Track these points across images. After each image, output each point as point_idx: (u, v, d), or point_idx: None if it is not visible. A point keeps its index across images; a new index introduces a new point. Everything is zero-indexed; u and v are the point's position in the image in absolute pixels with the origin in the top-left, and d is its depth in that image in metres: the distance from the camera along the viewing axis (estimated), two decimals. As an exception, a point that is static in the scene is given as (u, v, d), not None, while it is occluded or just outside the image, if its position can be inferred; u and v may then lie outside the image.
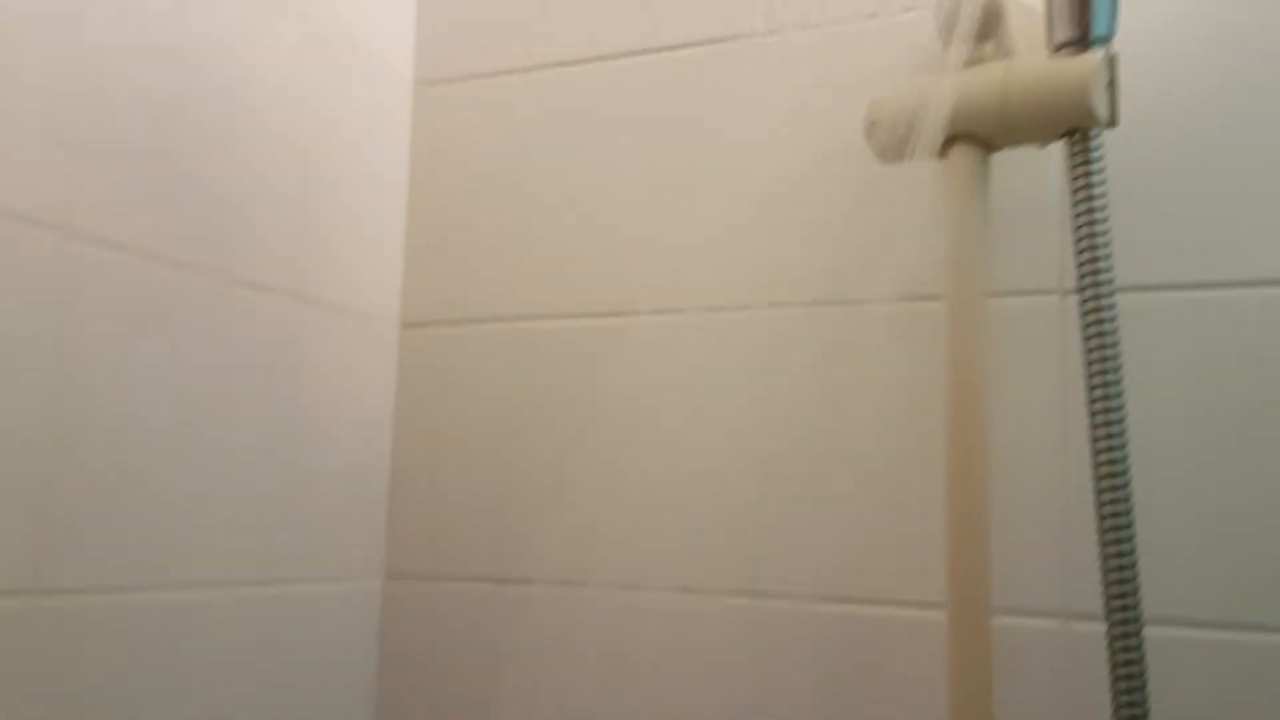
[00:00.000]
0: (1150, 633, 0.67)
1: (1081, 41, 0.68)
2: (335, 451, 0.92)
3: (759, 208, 0.87)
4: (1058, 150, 0.72)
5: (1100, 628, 0.67)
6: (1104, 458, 0.66)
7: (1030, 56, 0.71)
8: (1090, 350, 0.68)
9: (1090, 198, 0.69)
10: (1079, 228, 0.69)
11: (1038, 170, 0.76)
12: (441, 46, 1.02)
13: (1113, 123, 0.69)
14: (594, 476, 0.90)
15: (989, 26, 0.73)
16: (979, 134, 0.72)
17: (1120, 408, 0.67)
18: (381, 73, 0.99)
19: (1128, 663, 0.65)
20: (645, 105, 0.93)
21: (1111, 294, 0.68)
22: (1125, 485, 0.66)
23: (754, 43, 0.90)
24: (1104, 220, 0.68)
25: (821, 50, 0.87)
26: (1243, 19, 0.74)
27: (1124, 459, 0.66)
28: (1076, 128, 0.69)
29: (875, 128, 0.75)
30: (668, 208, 0.91)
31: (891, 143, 0.74)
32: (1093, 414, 0.67)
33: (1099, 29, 0.68)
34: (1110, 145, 0.71)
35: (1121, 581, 0.66)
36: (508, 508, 0.93)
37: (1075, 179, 0.69)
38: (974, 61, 0.73)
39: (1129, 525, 0.66)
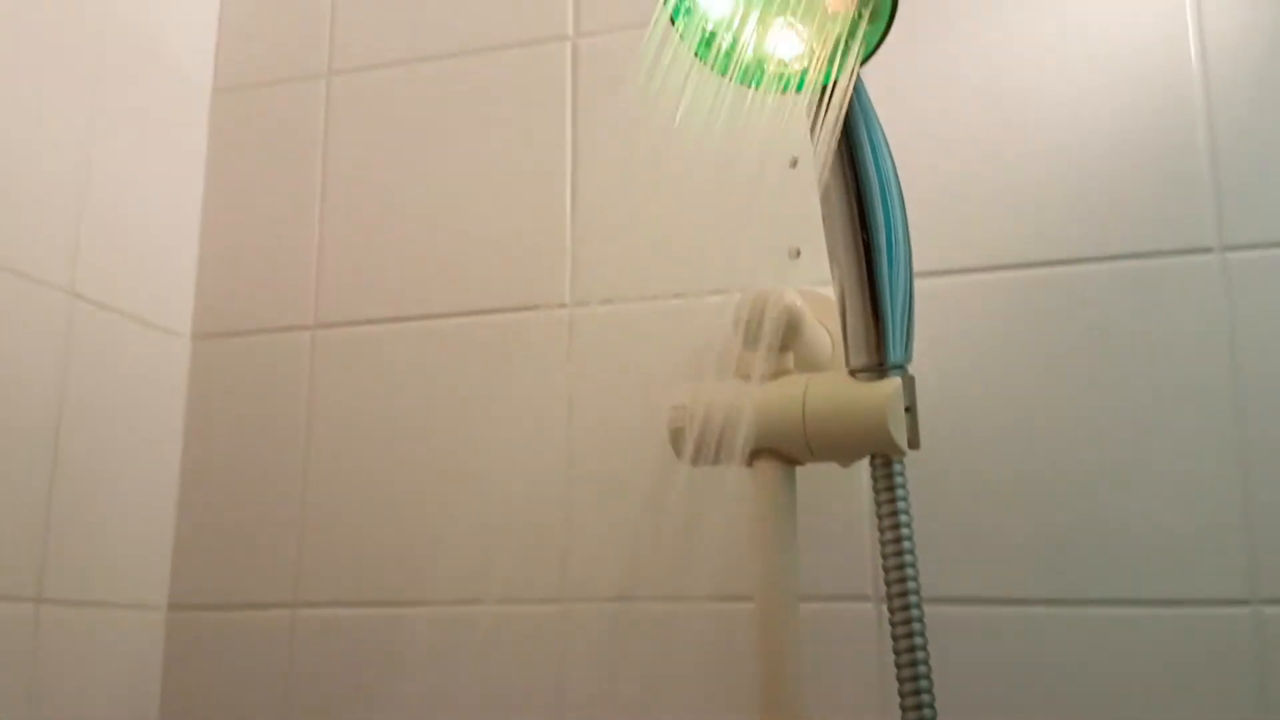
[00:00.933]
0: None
1: (878, 368, 0.68)
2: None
3: (559, 491, 0.83)
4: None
5: None
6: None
7: (828, 376, 0.71)
8: (901, 665, 0.67)
9: (895, 514, 0.68)
10: (885, 544, 0.68)
11: (851, 478, 0.75)
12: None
13: (914, 445, 0.69)
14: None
15: (789, 337, 0.72)
16: (782, 450, 0.70)
17: (933, 714, 0.65)
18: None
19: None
20: (442, 370, 0.89)
21: (919, 605, 0.67)
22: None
23: (558, 313, 0.88)
24: (909, 538, 0.68)
25: (626, 325, 0.85)
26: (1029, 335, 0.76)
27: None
28: (878, 453, 0.68)
29: (679, 435, 0.73)
30: (458, 488, 0.87)
31: (695, 452, 0.72)
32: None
33: (894, 356, 0.68)
34: (914, 460, 0.70)
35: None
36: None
37: (880, 499, 0.68)
38: (776, 373, 0.72)
39: None
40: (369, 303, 0.93)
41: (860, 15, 0.57)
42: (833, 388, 0.69)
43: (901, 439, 0.67)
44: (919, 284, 0.73)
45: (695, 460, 0.72)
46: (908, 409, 0.68)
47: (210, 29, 1.02)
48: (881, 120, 0.70)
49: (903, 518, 0.67)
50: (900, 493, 0.68)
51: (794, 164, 0.72)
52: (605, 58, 0.91)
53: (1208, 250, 0.73)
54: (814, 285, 0.78)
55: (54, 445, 0.83)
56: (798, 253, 0.80)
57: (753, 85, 0.62)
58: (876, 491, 0.68)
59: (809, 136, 0.65)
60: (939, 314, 0.78)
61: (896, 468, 0.68)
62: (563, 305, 0.88)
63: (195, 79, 1.00)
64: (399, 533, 0.88)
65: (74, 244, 0.86)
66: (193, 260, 0.98)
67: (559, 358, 0.87)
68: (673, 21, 0.59)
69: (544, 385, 0.87)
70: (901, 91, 0.79)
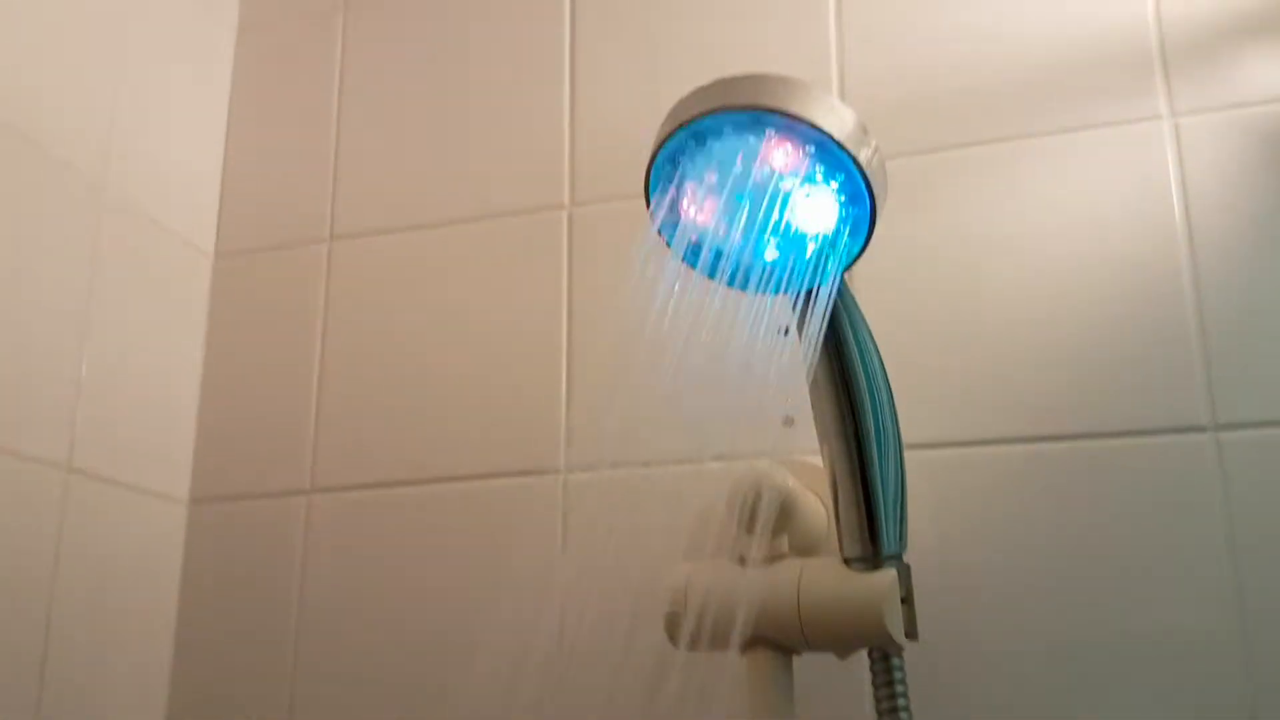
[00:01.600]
0: None
1: (872, 559, 0.67)
2: None
3: (551, 666, 0.82)
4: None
5: None
6: None
7: (823, 565, 0.70)
8: None
9: (895, 711, 0.67)
10: (886, 738, 0.67)
11: (850, 666, 0.74)
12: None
13: (912, 636, 0.68)
14: None
15: (783, 520, 0.72)
16: (778, 640, 0.70)
17: None
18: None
19: None
20: (437, 536, 0.89)
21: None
22: None
23: (554, 479, 0.88)
24: (911, 733, 0.67)
25: (624, 492, 0.85)
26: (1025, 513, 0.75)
27: None
28: (875, 647, 0.67)
29: (674, 620, 0.72)
30: (450, 657, 0.86)
31: (691, 638, 0.71)
32: None
33: (889, 548, 0.67)
34: (913, 647, 0.69)
35: None
36: None
37: (879, 695, 0.67)
38: (770, 558, 0.71)
39: None
40: (365, 467, 0.93)
41: (840, 231, 0.57)
42: (828, 578, 0.68)
43: (899, 633, 0.66)
44: (915, 455, 0.73)
45: (691, 646, 0.72)
46: (904, 599, 0.67)
47: (213, 194, 1.04)
48: (868, 295, 0.70)
49: (903, 715, 0.66)
50: (900, 688, 0.67)
51: (785, 332, 0.73)
52: (600, 226, 0.92)
53: (1201, 429, 0.73)
54: (808, 453, 0.78)
55: (46, 620, 0.83)
56: (791, 421, 0.80)
57: (739, 288, 0.63)
58: (875, 686, 0.67)
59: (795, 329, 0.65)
60: (935, 488, 0.77)
61: (895, 661, 0.67)
62: (557, 471, 0.88)
63: (197, 244, 1.02)
64: (401, 706, 0.87)
65: (71, 419, 0.86)
66: (191, 425, 0.98)
67: (553, 525, 0.87)
68: (660, 233, 0.60)
69: (538, 553, 0.87)
70: (887, 266, 0.80)
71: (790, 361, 0.72)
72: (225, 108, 1.06)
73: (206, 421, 0.98)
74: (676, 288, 0.65)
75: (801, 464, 0.78)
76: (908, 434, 0.70)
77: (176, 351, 0.98)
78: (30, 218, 0.84)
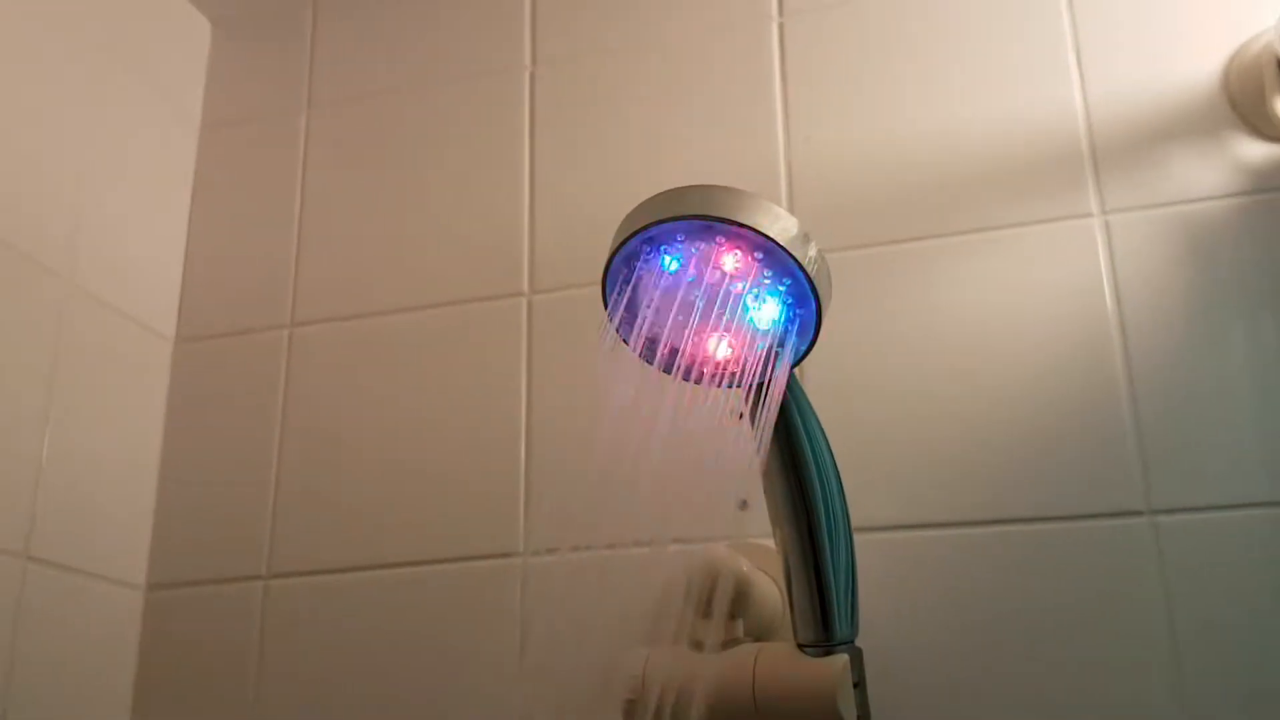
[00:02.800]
0: None
1: (825, 644, 0.69)
2: None
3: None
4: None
5: None
6: None
7: (777, 649, 0.72)
8: None
9: (848, 796, 0.68)
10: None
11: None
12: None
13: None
14: None
15: (739, 605, 0.74)
16: (734, 725, 0.71)
17: None
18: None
19: None
20: (396, 621, 0.89)
21: None
22: None
23: (513, 563, 0.89)
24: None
25: (583, 575, 0.86)
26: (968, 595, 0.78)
27: None
28: (828, 731, 0.69)
29: (632, 707, 0.74)
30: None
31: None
32: None
33: (841, 632, 0.69)
34: (863, 732, 0.71)
35: None
36: None
37: (832, 781, 0.69)
38: (726, 642, 0.73)
39: None
40: (323, 553, 0.93)
41: (789, 330, 0.60)
42: (782, 663, 0.70)
43: (851, 717, 0.68)
44: (865, 538, 0.76)
45: (648, 730, 0.73)
46: (856, 684, 0.69)
47: (175, 280, 1.05)
48: (817, 381, 0.73)
49: (854, 798, 0.68)
50: (852, 771, 0.68)
51: (744, 506, 0.76)
52: (559, 313, 0.94)
53: (1139, 514, 0.76)
54: (761, 537, 0.80)
55: (2, 709, 0.82)
56: (745, 504, 0.82)
57: (694, 383, 0.65)
58: (828, 771, 0.69)
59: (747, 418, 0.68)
60: (886, 570, 0.79)
61: (847, 746, 0.69)
62: (516, 554, 0.89)
63: (157, 329, 1.03)
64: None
65: (30, 506, 0.86)
66: (149, 511, 0.99)
67: (513, 608, 0.88)
68: (617, 330, 0.62)
69: (497, 637, 0.87)
70: (835, 355, 0.82)
71: (744, 449, 0.75)
72: (188, 197, 1.08)
73: (165, 507, 0.98)
74: (634, 380, 0.67)
75: (755, 547, 0.80)
76: (857, 517, 0.73)
77: (135, 436, 0.99)
78: (-5, 307, 0.85)
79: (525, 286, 0.96)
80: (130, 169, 1.01)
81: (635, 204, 0.63)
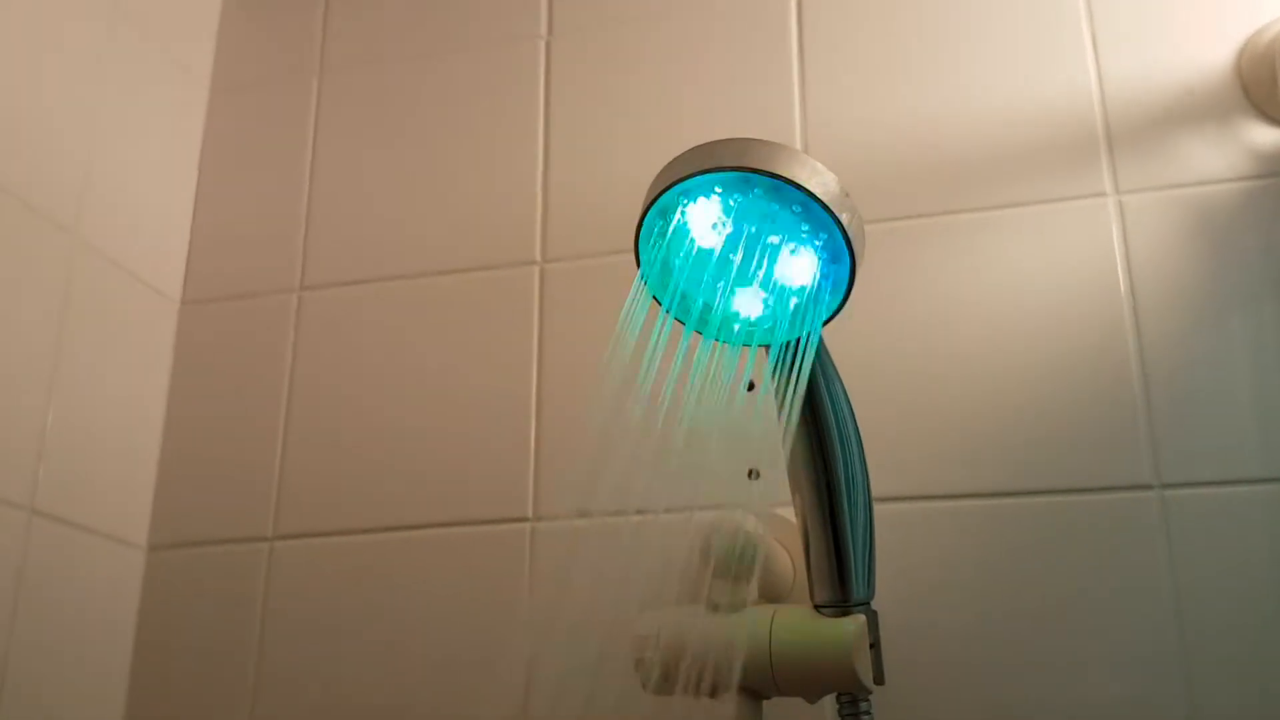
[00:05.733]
0: None
1: (842, 604, 0.70)
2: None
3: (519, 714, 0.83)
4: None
5: None
6: None
7: (793, 611, 0.72)
8: None
9: (863, 758, 0.69)
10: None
11: (819, 712, 0.76)
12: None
13: (879, 681, 0.70)
14: None
15: (754, 568, 0.74)
16: (749, 685, 0.71)
17: None
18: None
19: None
20: (409, 584, 0.89)
21: None
22: None
23: (522, 527, 0.89)
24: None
25: (592, 540, 0.86)
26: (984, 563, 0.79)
27: None
28: (843, 691, 0.69)
29: (643, 665, 0.74)
30: (422, 701, 0.86)
31: (661, 682, 0.73)
32: None
33: (858, 593, 0.69)
34: (880, 693, 0.72)
35: None
36: None
37: (846, 738, 0.69)
38: (740, 603, 0.73)
39: None
40: (331, 516, 0.93)
41: (823, 288, 0.61)
42: (798, 624, 0.70)
43: (867, 677, 0.68)
44: (883, 508, 0.76)
45: (660, 691, 0.73)
46: (873, 645, 0.70)
47: (182, 242, 1.05)
48: (839, 352, 0.74)
49: (870, 756, 0.68)
50: (866, 726, 0.69)
51: (750, 388, 0.75)
52: (570, 282, 0.95)
53: (1148, 487, 0.77)
54: (773, 505, 0.80)
55: (5, 654, 0.82)
56: (757, 473, 0.82)
57: (721, 340, 0.65)
58: (843, 728, 0.69)
59: (771, 380, 0.68)
60: (902, 539, 0.80)
61: (863, 705, 0.69)
62: (525, 520, 0.89)
63: (164, 290, 1.02)
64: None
65: (36, 462, 0.86)
66: (152, 471, 0.98)
67: (520, 572, 0.88)
68: (650, 292, 0.63)
69: (504, 601, 0.87)
70: (855, 328, 0.83)
71: (759, 415, 0.75)
72: (197, 159, 1.07)
73: (168, 467, 0.98)
74: (660, 340, 0.67)
75: (770, 515, 0.81)
76: (876, 488, 0.73)
77: (140, 396, 0.98)
78: (4, 263, 0.85)
79: (538, 255, 0.96)
80: (140, 130, 1.01)
81: (648, 174, 0.64)
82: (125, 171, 0.98)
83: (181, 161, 1.06)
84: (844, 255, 0.60)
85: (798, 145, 0.92)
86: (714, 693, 0.72)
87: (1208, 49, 0.87)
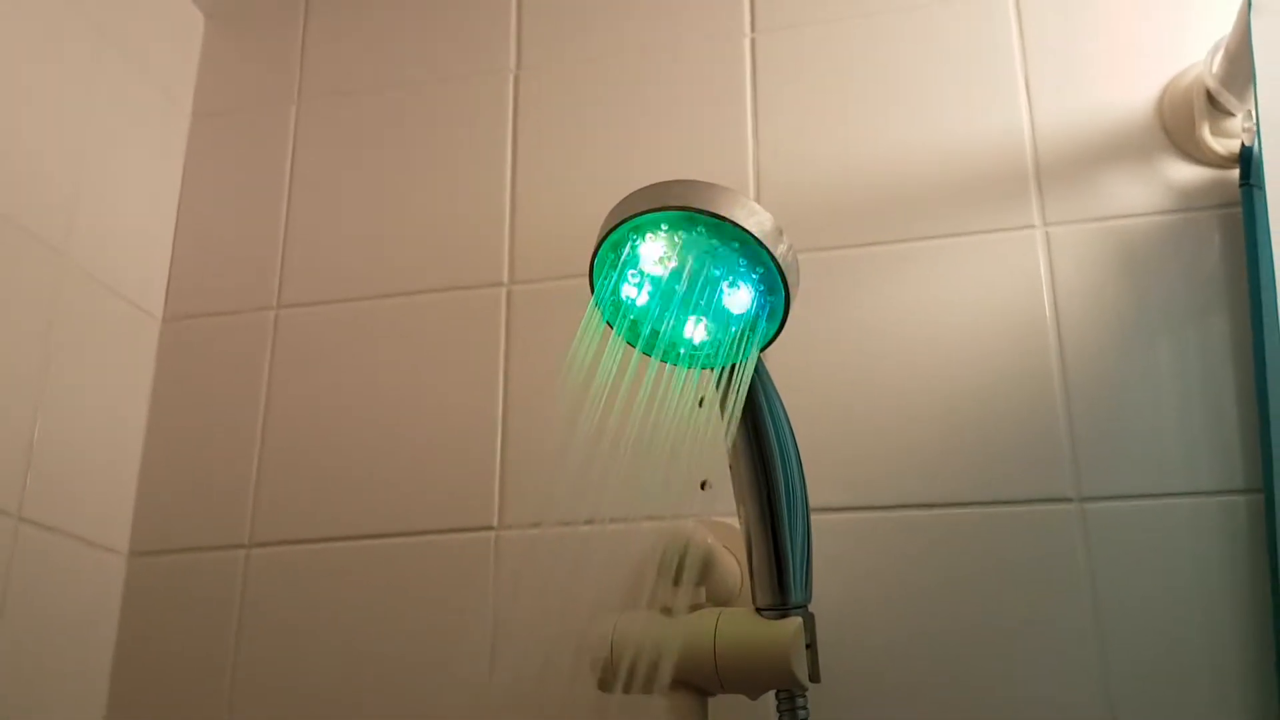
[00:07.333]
0: None
1: (781, 608, 0.75)
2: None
3: (480, 714, 0.88)
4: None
5: None
6: None
7: (737, 614, 0.77)
8: None
9: (799, 747, 0.74)
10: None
11: (759, 709, 0.81)
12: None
13: (815, 679, 0.76)
14: None
15: (704, 574, 0.80)
16: (695, 682, 0.76)
17: None
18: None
19: None
20: (372, 591, 0.94)
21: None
22: None
23: (487, 536, 0.94)
24: (812, 765, 0.74)
25: (553, 548, 0.91)
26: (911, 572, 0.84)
27: None
28: (782, 687, 0.75)
29: (598, 665, 0.79)
30: (392, 705, 0.91)
31: (616, 680, 0.78)
32: None
33: (796, 596, 0.75)
34: (815, 692, 0.77)
35: None
36: None
37: (784, 732, 0.75)
38: (691, 606, 0.79)
39: None
40: (305, 524, 0.98)
41: (759, 316, 0.66)
42: (742, 623, 0.76)
43: (803, 675, 0.74)
44: (820, 518, 0.82)
45: (614, 690, 0.78)
46: (809, 645, 0.75)
47: (164, 260, 1.09)
48: (782, 372, 0.79)
49: (804, 745, 0.73)
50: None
51: (701, 403, 0.81)
52: (535, 303, 1.00)
53: (1068, 500, 0.83)
54: (722, 516, 0.85)
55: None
56: (707, 484, 0.88)
57: (669, 362, 0.71)
58: (781, 721, 0.75)
59: (715, 395, 0.74)
60: (838, 547, 0.86)
61: (799, 701, 0.75)
62: (490, 528, 0.94)
63: (146, 307, 1.07)
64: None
65: (24, 471, 0.90)
66: (133, 481, 1.02)
67: (485, 579, 0.93)
68: (603, 318, 0.68)
69: (470, 606, 0.92)
70: (795, 349, 0.88)
71: (709, 431, 0.81)
72: (179, 183, 1.12)
73: (149, 477, 1.02)
74: (613, 362, 0.72)
75: (718, 524, 0.86)
76: (814, 499, 0.79)
77: (122, 408, 1.03)
78: (-5, 283, 0.89)
79: (505, 277, 1.01)
80: (124, 153, 1.05)
81: (611, 203, 0.69)
82: (110, 193, 1.03)
83: (164, 184, 1.11)
84: (779, 287, 0.66)
85: (749, 177, 0.98)
86: (653, 690, 0.78)
87: (1131, 91, 0.93)
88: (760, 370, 0.71)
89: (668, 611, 0.79)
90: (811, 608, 0.77)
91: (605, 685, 0.78)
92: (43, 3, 0.97)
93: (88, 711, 0.95)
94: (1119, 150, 0.92)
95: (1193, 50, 0.92)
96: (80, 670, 0.95)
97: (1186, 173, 0.90)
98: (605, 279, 0.67)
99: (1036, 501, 0.84)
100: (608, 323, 0.70)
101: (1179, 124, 0.91)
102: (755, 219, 0.64)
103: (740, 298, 0.67)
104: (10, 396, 0.90)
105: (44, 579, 0.91)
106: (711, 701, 0.78)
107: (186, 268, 1.09)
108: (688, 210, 0.64)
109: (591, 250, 0.70)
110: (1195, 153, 0.91)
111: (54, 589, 0.92)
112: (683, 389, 0.75)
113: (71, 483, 0.95)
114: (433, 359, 1.00)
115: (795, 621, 0.74)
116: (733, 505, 0.77)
